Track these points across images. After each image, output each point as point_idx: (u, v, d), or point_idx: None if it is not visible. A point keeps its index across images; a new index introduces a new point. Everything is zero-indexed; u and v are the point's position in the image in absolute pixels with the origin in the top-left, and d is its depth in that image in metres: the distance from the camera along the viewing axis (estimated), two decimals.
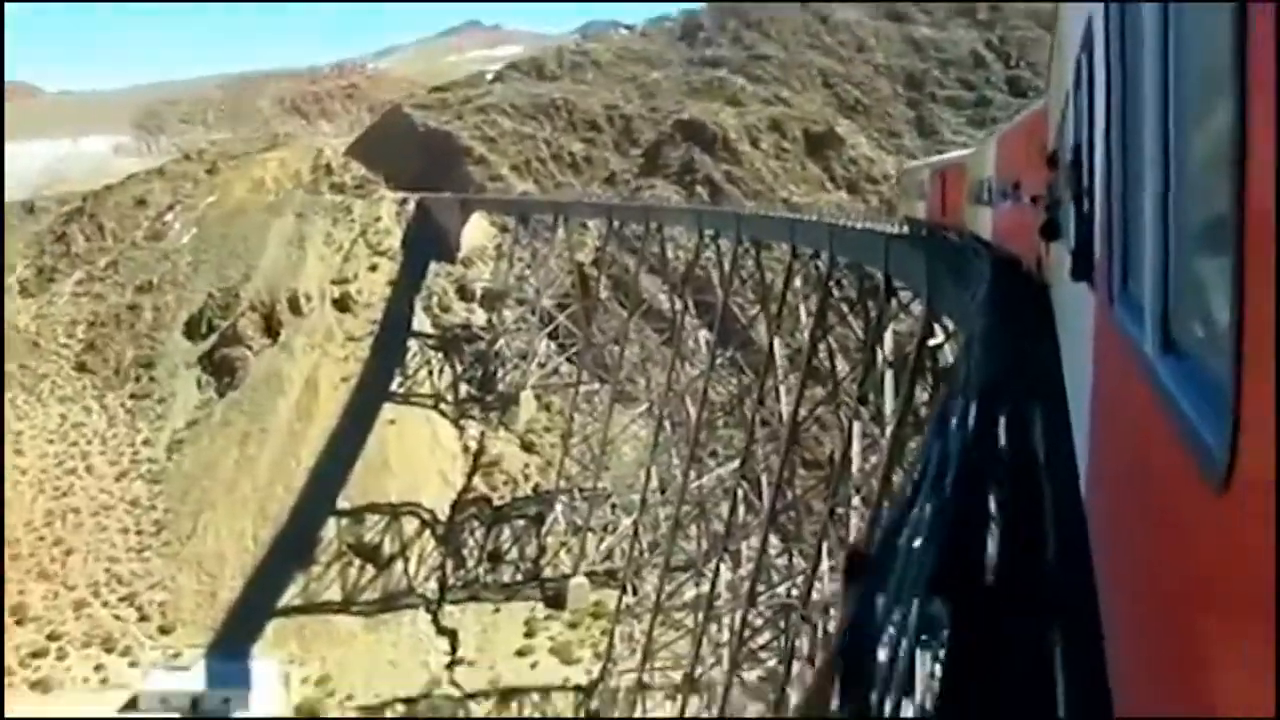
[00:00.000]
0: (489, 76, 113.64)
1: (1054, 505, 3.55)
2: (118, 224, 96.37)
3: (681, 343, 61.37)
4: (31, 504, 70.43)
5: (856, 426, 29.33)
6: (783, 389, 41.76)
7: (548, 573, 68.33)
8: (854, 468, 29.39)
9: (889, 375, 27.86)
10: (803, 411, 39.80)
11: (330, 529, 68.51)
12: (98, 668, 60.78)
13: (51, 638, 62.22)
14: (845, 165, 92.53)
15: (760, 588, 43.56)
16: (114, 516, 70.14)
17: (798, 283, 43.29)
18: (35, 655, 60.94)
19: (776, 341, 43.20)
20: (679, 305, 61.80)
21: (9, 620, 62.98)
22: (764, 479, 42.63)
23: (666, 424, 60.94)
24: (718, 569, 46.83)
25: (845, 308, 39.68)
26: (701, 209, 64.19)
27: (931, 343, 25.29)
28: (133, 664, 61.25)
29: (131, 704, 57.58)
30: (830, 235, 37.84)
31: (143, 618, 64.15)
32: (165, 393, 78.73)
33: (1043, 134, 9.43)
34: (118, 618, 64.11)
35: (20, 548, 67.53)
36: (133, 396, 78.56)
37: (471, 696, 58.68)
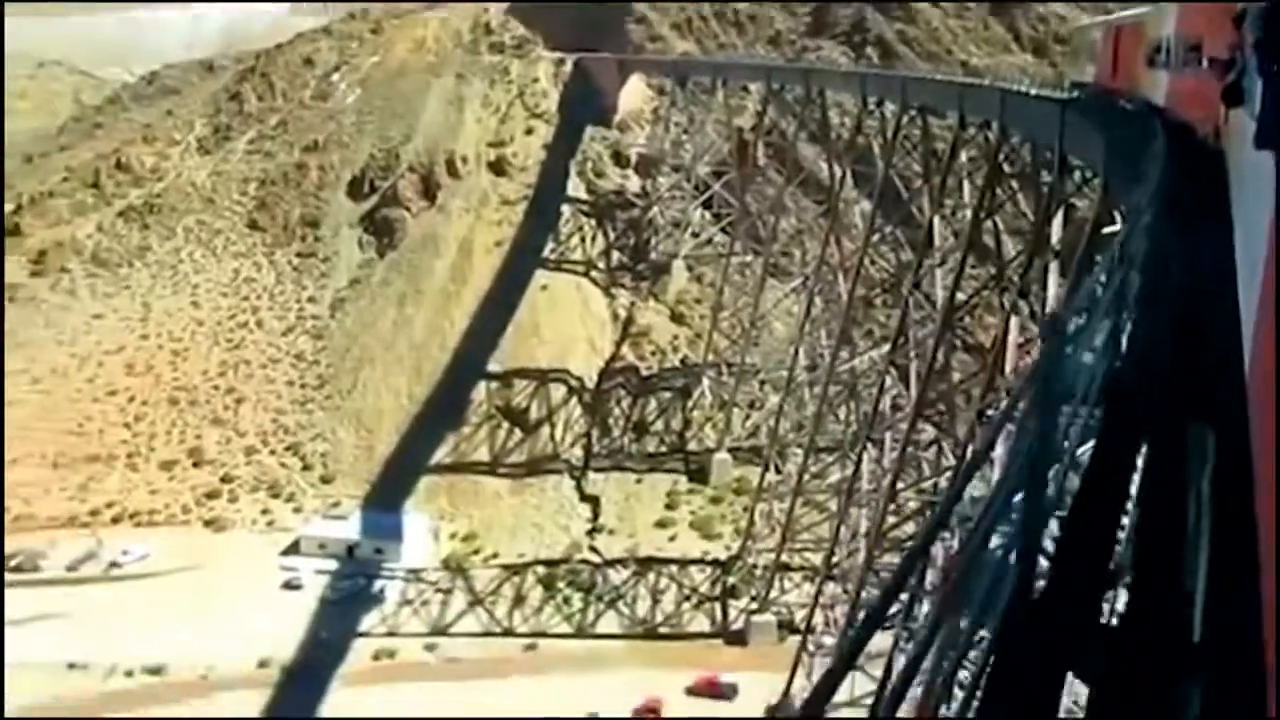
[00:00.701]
0: None
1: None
2: (288, 84, 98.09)
3: (839, 216, 58.36)
4: (207, 354, 74.27)
5: (1014, 321, 26.59)
6: (939, 272, 38.82)
7: (692, 446, 67.99)
8: (1008, 366, 26.77)
9: (1055, 265, 24.93)
10: (962, 295, 36.98)
11: (480, 391, 69.77)
12: (264, 511, 64.45)
13: (225, 480, 66.18)
14: (1033, 24, 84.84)
15: (908, 478, 41.72)
16: (281, 369, 73.31)
17: (964, 156, 39.75)
18: (210, 496, 65.04)
19: (938, 220, 40.05)
20: (838, 175, 58.38)
21: (187, 461, 67.38)
22: (914, 367, 40.17)
23: (818, 300, 58.49)
24: (860, 456, 45.05)
25: (1015, 185, 36.09)
26: (865, 72, 59.71)
27: (1107, 230, 22.31)
28: (296, 509, 64.70)
29: (294, 547, 60.94)
30: (1002, 104, 34.22)
31: (306, 467, 67.39)
32: (329, 251, 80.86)
33: None
34: (283, 465, 67.56)
35: (198, 394, 71.61)
36: (299, 255, 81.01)
37: (610, 564, 59.50)
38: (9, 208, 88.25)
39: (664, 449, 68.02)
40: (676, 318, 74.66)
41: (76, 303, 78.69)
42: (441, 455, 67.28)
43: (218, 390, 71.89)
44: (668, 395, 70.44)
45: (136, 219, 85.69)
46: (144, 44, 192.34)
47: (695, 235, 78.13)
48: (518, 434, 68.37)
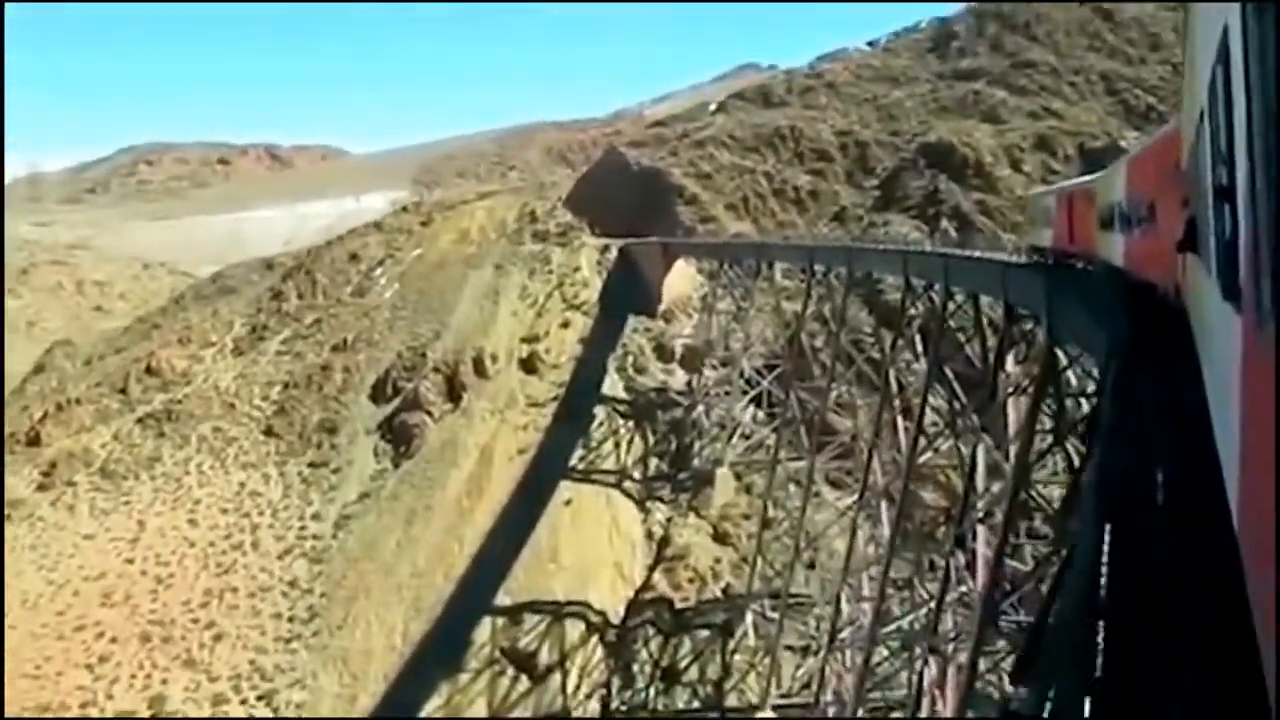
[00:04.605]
0: (711, 107, 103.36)
1: None
2: (330, 280, 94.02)
3: (893, 420, 47.65)
4: (193, 581, 66.30)
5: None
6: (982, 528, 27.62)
7: (731, 701, 55.63)
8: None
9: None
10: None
11: (485, 629, 59.41)
12: None
13: None
14: None
15: None
16: (269, 599, 64.57)
17: (1011, 359, 29.12)
18: None
19: (981, 449, 29.12)
20: (889, 371, 47.84)
21: (146, 712, 58.40)
22: (952, 646, 28.53)
23: (864, 525, 47.08)
24: None
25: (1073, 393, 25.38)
26: (906, 250, 49.96)
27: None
28: None
29: None
30: (1047, 296, 23.81)
31: None
32: (343, 460, 73.27)
33: (1177, 153, 9.27)
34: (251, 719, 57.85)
35: (173, 630, 63.22)
36: (310, 465, 73.60)
37: None
38: (36, 415, 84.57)
39: (697, 705, 55.87)
40: (719, 537, 63.61)
41: (72, 521, 72.50)
42: (433, 708, 56.59)
43: (196, 624, 63.37)
44: (705, 634, 58.69)
45: (154, 426, 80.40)
46: (247, 243, 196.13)
47: (746, 437, 67.86)
48: (524, 683, 57.37)
